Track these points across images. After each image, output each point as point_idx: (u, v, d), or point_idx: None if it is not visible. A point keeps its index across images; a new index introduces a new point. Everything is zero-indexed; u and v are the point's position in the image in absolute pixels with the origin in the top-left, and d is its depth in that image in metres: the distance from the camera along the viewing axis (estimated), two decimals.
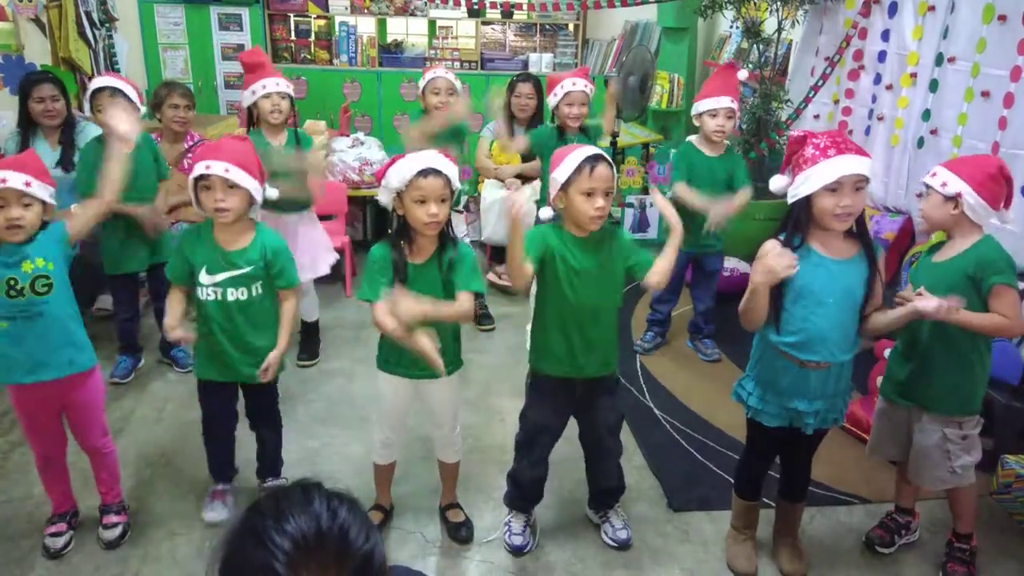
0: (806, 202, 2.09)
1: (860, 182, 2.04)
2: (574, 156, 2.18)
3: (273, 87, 3.24)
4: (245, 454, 2.71)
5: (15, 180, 2.13)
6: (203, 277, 2.36)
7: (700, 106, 3.52)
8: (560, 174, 2.19)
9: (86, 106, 3.42)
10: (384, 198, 2.24)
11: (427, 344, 2.14)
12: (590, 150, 2.20)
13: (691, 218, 3.63)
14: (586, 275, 2.24)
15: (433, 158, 2.20)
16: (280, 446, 2.70)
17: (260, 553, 0.85)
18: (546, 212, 2.34)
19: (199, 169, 2.26)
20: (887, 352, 3.30)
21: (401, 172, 2.16)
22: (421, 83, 3.73)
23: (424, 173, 2.16)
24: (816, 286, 2.11)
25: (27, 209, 2.17)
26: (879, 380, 3.28)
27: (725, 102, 3.44)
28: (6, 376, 2.27)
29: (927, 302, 2.08)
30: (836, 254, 2.13)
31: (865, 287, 2.13)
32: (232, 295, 2.37)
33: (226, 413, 2.58)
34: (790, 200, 2.14)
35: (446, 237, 2.29)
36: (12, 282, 2.18)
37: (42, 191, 2.20)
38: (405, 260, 2.24)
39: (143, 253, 3.34)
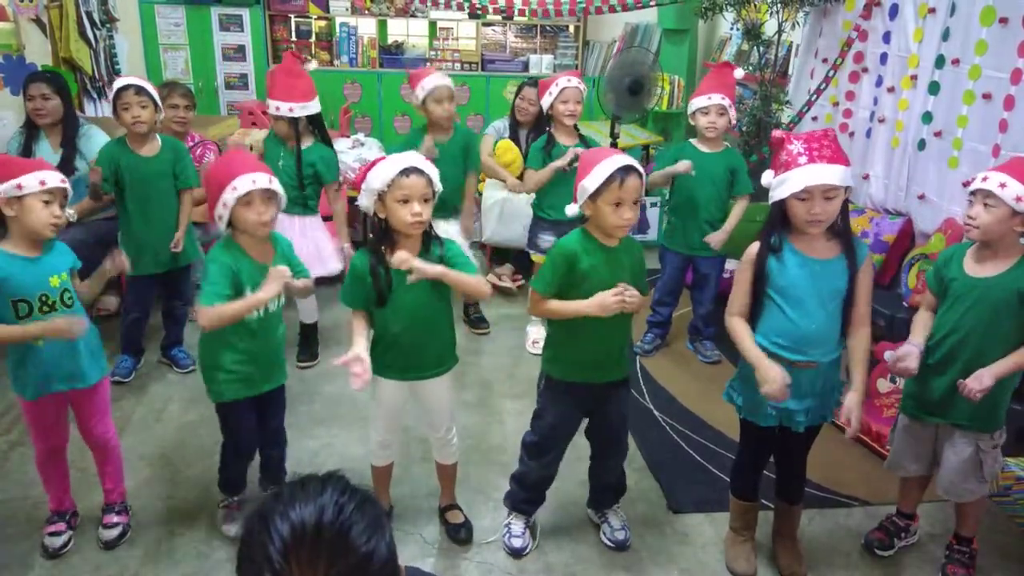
0: (782, 205, 2.11)
1: (830, 191, 2.04)
2: (605, 166, 2.15)
3: (272, 110, 3.33)
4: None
5: (53, 179, 2.20)
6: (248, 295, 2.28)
7: (692, 104, 3.57)
8: (590, 183, 2.16)
9: (90, 106, 3.43)
10: (365, 201, 2.23)
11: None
12: (622, 160, 2.17)
13: (687, 221, 3.65)
14: (614, 287, 2.20)
15: (414, 158, 2.21)
16: (284, 461, 2.67)
17: (262, 536, 0.88)
18: (571, 209, 2.30)
19: (245, 186, 2.20)
20: (887, 354, 3.31)
21: (382, 173, 2.16)
22: (419, 93, 3.51)
23: (406, 172, 2.16)
24: (800, 286, 2.13)
25: (62, 210, 2.24)
26: (880, 382, 3.30)
27: (715, 99, 3.48)
28: (45, 387, 2.29)
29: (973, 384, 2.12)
30: (819, 254, 2.14)
31: (847, 285, 2.13)
32: (272, 305, 2.35)
33: (252, 433, 2.53)
34: (770, 201, 2.16)
35: (429, 237, 2.29)
36: (44, 298, 2.22)
37: (68, 190, 2.28)
38: (387, 267, 2.23)
39: (162, 256, 3.33)
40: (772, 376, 2.10)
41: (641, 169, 2.20)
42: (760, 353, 2.15)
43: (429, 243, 2.28)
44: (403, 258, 2.15)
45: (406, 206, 2.16)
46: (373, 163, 2.22)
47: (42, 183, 2.16)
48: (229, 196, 2.21)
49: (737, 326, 2.23)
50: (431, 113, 3.53)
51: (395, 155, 2.23)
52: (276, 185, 2.29)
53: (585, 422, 2.48)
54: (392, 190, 2.16)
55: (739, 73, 3.66)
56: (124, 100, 3.14)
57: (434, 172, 2.22)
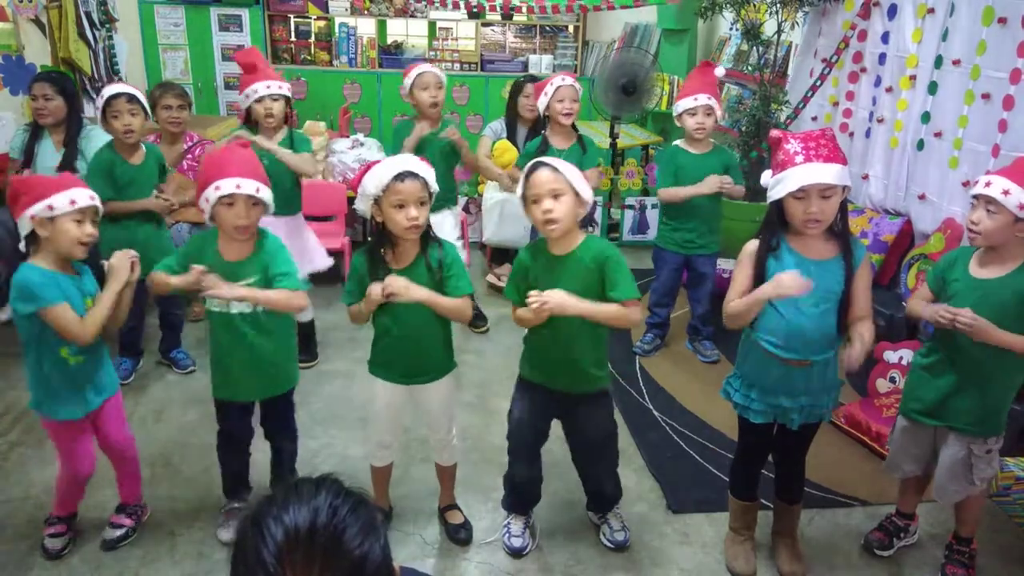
0: (780, 204, 2.11)
1: (827, 191, 2.04)
2: (525, 169, 2.22)
3: (264, 91, 3.21)
4: (259, 466, 2.67)
5: (82, 197, 2.16)
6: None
7: (678, 106, 3.56)
8: (519, 189, 2.23)
9: (89, 106, 3.42)
10: (361, 205, 2.23)
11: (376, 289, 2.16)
12: (537, 160, 2.21)
13: (683, 222, 3.65)
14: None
15: (409, 161, 2.20)
16: (295, 456, 2.63)
17: (256, 539, 0.88)
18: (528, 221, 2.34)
19: (228, 188, 2.18)
20: (886, 353, 3.32)
21: (377, 178, 2.16)
22: (407, 81, 3.56)
23: (400, 177, 2.15)
24: None
25: (94, 225, 2.21)
26: (879, 382, 3.31)
27: (702, 99, 3.47)
28: (83, 407, 2.30)
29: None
30: (815, 255, 2.13)
31: (844, 286, 2.13)
32: (236, 307, 2.29)
33: (243, 431, 2.52)
34: (768, 200, 2.16)
35: (427, 238, 2.28)
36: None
37: (98, 203, 2.24)
38: (388, 268, 2.23)
39: (143, 261, 3.29)
40: (784, 281, 2.03)
41: (554, 163, 2.18)
42: (763, 287, 2.09)
43: (427, 246, 2.27)
44: (392, 285, 2.14)
45: (402, 211, 2.16)
46: (368, 167, 2.21)
47: (72, 202, 2.12)
48: (212, 194, 2.21)
49: (736, 301, 2.18)
50: (417, 100, 3.56)
51: (390, 159, 2.22)
52: (264, 194, 2.25)
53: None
54: (387, 195, 2.15)
55: (720, 71, 3.65)
56: (115, 108, 3.10)
57: (430, 174, 2.22)
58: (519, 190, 2.23)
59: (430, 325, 2.31)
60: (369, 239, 2.30)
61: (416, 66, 3.62)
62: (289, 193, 3.34)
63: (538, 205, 2.16)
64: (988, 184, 2.11)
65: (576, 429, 2.45)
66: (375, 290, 2.16)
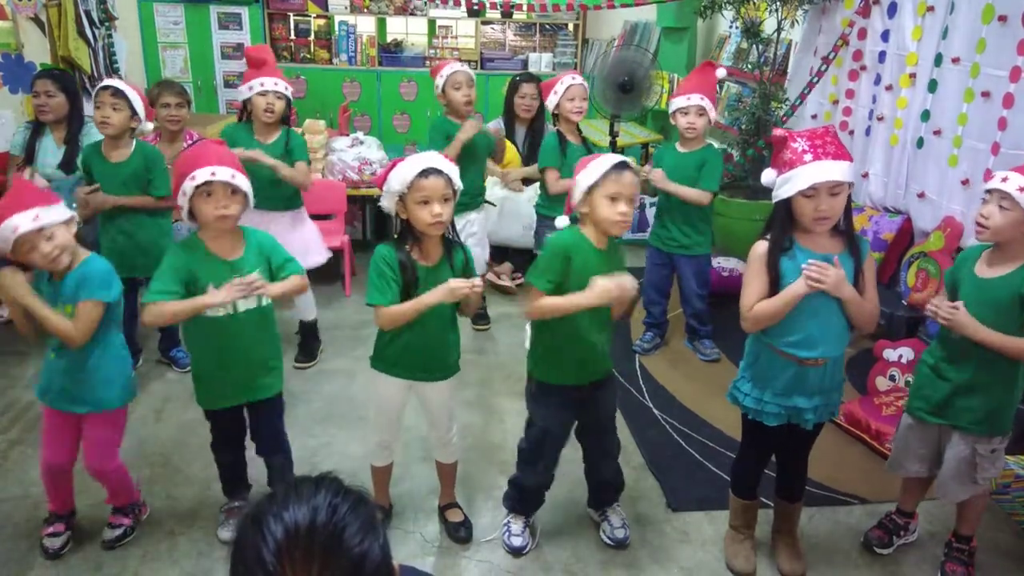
0: (787, 203, 2.11)
1: (836, 188, 2.04)
2: (601, 161, 2.20)
3: (271, 86, 3.24)
4: (258, 463, 2.62)
5: (25, 223, 2.07)
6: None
7: (672, 104, 3.57)
8: (586, 178, 2.20)
9: (88, 105, 3.41)
10: (387, 203, 2.25)
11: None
12: (617, 157, 2.22)
13: (666, 220, 3.66)
14: None
15: (433, 158, 2.21)
16: (290, 467, 2.57)
17: (255, 538, 0.88)
18: (562, 220, 2.34)
19: (203, 176, 2.14)
20: (886, 352, 3.32)
21: (402, 175, 2.17)
22: (439, 80, 3.60)
23: (425, 174, 2.16)
24: None
25: (50, 241, 2.13)
26: (878, 380, 3.31)
27: (695, 99, 3.48)
28: (63, 404, 2.32)
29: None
30: (824, 251, 2.13)
31: (853, 282, 2.13)
32: (243, 305, 2.27)
33: (237, 429, 2.48)
34: (773, 200, 2.16)
35: (451, 243, 2.30)
36: None
37: (54, 214, 2.14)
38: (414, 262, 2.23)
39: (141, 261, 3.23)
40: (824, 271, 2.04)
41: (637, 169, 2.21)
42: (796, 283, 2.09)
43: (451, 247, 2.29)
44: (464, 289, 2.17)
45: (426, 207, 2.17)
46: (393, 164, 2.23)
47: (15, 229, 2.07)
48: (188, 185, 2.16)
49: (766, 303, 2.15)
50: (450, 99, 3.60)
51: (414, 156, 2.23)
52: (240, 181, 2.21)
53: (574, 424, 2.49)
54: (412, 192, 2.17)
55: (721, 72, 3.65)
56: (99, 99, 3.11)
57: (454, 172, 2.23)
58: (588, 179, 2.18)
59: (450, 328, 2.34)
60: (396, 236, 2.30)
61: (447, 65, 3.65)
62: (286, 188, 3.34)
63: (616, 204, 2.17)
64: (1004, 179, 2.10)
65: (592, 415, 2.45)
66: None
